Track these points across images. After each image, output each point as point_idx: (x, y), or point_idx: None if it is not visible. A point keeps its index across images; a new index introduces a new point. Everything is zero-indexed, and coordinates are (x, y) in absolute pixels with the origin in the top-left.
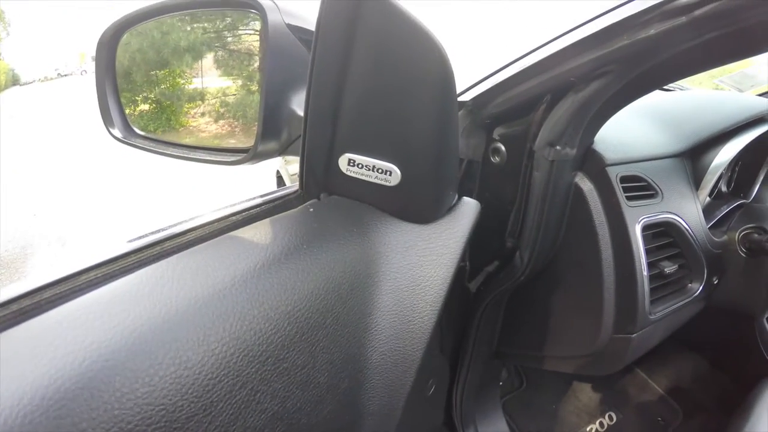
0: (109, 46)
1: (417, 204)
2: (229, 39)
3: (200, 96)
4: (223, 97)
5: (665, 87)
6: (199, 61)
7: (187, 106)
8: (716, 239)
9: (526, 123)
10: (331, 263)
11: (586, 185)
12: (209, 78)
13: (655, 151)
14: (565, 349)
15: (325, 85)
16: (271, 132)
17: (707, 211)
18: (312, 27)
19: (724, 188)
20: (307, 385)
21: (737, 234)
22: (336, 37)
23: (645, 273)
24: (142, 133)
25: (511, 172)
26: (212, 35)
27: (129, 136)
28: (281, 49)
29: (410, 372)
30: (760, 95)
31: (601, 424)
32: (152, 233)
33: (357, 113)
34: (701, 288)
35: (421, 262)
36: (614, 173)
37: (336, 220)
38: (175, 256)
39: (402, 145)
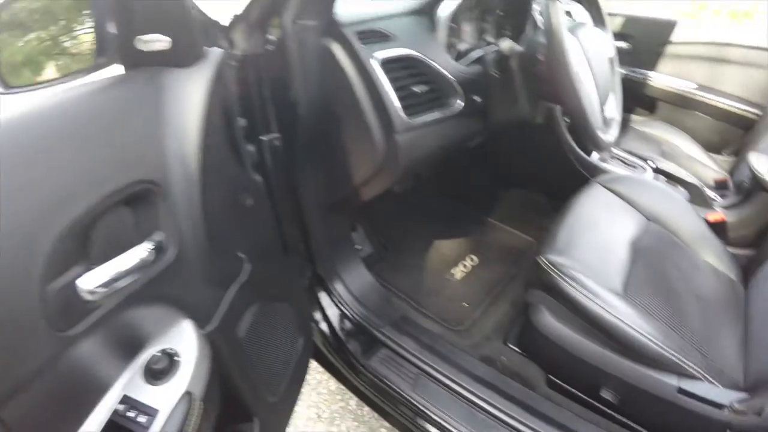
0: None
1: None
2: None
3: None
4: None
5: None
6: None
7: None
8: (466, 67)
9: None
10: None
11: (330, 44)
12: None
13: (390, 11)
14: (364, 171)
15: None
16: None
17: (460, 51)
18: None
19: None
20: None
21: (489, 62)
22: None
23: (391, 92)
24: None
25: (279, 51)
26: None
27: None
28: None
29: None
30: None
31: (464, 265)
32: None
33: None
34: (463, 104)
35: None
36: (351, 30)
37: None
38: None
39: None
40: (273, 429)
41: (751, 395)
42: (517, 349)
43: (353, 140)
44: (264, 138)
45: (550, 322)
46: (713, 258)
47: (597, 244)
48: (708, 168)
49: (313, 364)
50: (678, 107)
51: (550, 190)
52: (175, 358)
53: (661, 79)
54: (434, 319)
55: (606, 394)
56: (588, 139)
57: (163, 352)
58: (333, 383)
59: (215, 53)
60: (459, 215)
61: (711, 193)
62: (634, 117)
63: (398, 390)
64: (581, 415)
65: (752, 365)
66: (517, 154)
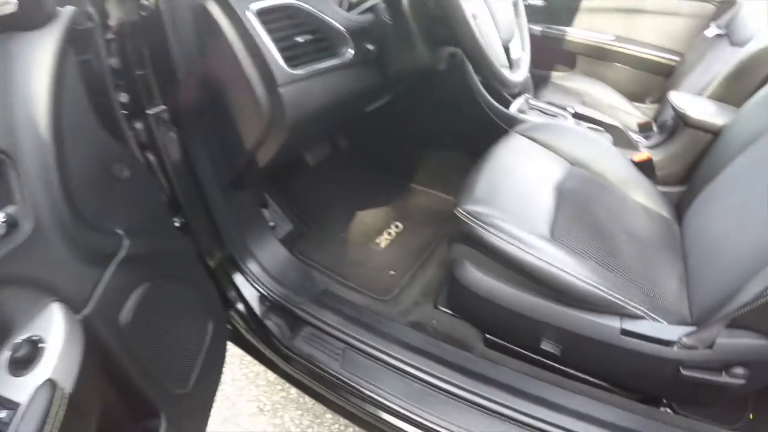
0: None
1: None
2: None
3: None
4: None
5: None
6: None
7: None
8: (357, 16)
9: None
10: None
11: (205, 1)
12: None
13: None
14: (254, 133)
15: None
16: None
17: (352, 2)
18: None
19: None
20: None
21: (380, 8)
22: None
23: (269, 43)
24: None
25: (154, 17)
26: None
27: None
28: None
29: None
30: None
31: (389, 233)
32: None
33: None
34: (353, 52)
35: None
36: None
37: None
38: None
39: None
40: (186, 422)
41: (700, 329)
42: (448, 310)
43: (238, 102)
44: (150, 112)
45: (477, 276)
46: (644, 197)
47: (518, 191)
48: (631, 115)
49: (248, 358)
50: (597, 60)
51: (469, 147)
52: (40, 344)
53: (578, 33)
54: (359, 291)
55: (547, 346)
56: (492, 78)
57: (27, 339)
58: (271, 374)
59: (67, 11)
60: (380, 184)
61: (635, 136)
62: (554, 74)
63: (326, 368)
64: (522, 370)
65: (696, 300)
66: (430, 112)
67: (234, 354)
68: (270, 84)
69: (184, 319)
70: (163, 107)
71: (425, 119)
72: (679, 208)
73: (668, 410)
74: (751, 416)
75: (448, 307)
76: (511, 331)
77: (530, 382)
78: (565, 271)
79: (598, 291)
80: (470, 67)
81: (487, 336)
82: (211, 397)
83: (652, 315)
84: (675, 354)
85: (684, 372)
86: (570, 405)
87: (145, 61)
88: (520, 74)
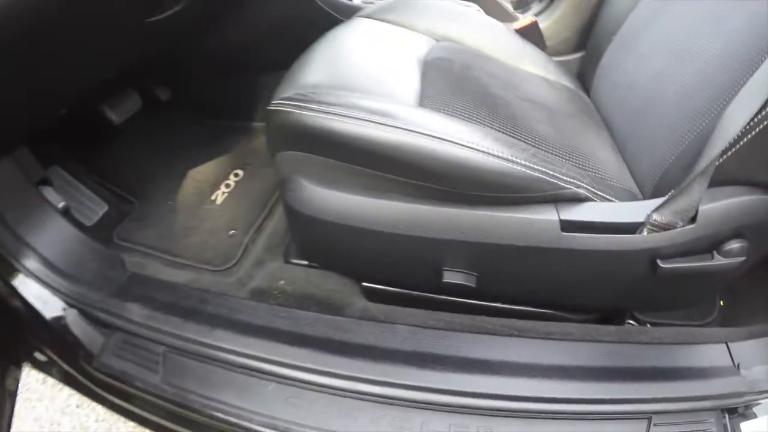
0: None
1: None
2: None
3: None
4: None
5: None
6: None
7: None
8: None
9: None
10: None
11: None
12: None
13: None
14: None
15: None
16: None
17: None
18: None
19: None
20: None
21: None
22: None
23: None
24: None
25: None
26: None
27: None
28: None
29: None
30: None
31: (227, 185)
32: None
33: None
34: None
35: None
36: None
37: None
38: None
39: None
40: None
41: (673, 197)
42: (303, 261)
43: None
44: None
45: (320, 194)
46: (537, 68)
47: (361, 69)
48: None
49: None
50: None
51: None
52: None
53: None
54: (191, 265)
55: (453, 278)
56: None
57: None
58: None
59: None
60: (215, 132)
61: (512, 9)
62: None
63: (144, 386)
64: (428, 323)
65: (642, 167)
66: (251, 21)
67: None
68: None
69: None
70: None
71: (240, 36)
72: (583, 77)
73: (631, 322)
74: (721, 302)
75: (302, 256)
76: (395, 269)
77: (441, 338)
78: (459, 144)
79: (514, 166)
80: None
81: (365, 284)
82: None
83: (599, 192)
84: (645, 242)
85: (662, 265)
86: (507, 357)
87: None
88: None
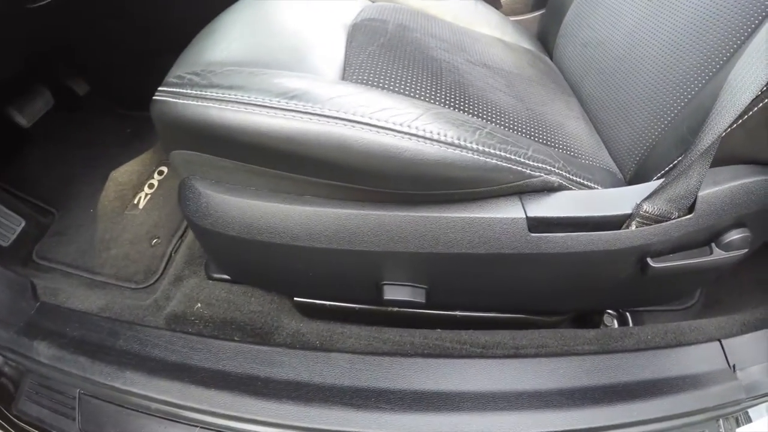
0: None
1: None
2: None
3: None
4: None
5: None
6: None
7: None
8: None
9: None
10: None
11: None
12: None
13: None
14: None
15: None
16: None
17: None
18: None
19: None
20: None
21: None
22: None
23: None
24: None
25: None
26: None
27: None
28: None
29: None
30: None
31: (150, 185)
32: None
33: None
34: None
35: None
36: None
37: None
38: None
39: None
40: None
41: (668, 182)
42: (225, 276)
43: None
44: None
45: (218, 202)
46: (492, 29)
47: (283, 42)
48: None
49: None
50: None
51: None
52: None
53: None
54: (109, 283)
55: (396, 294)
56: None
57: None
58: None
59: None
60: (137, 126)
61: None
62: None
63: None
64: (373, 349)
65: (621, 145)
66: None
67: None
68: None
69: None
70: None
71: (155, 11)
72: (544, 38)
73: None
74: None
75: (222, 271)
76: (328, 285)
77: (387, 366)
78: (381, 128)
79: (463, 153)
80: None
81: (297, 299)
82: None
83: (574, 178)
84: (633, 238)
85: (654, 265)
86: (470, 385)
87: None
88: None
